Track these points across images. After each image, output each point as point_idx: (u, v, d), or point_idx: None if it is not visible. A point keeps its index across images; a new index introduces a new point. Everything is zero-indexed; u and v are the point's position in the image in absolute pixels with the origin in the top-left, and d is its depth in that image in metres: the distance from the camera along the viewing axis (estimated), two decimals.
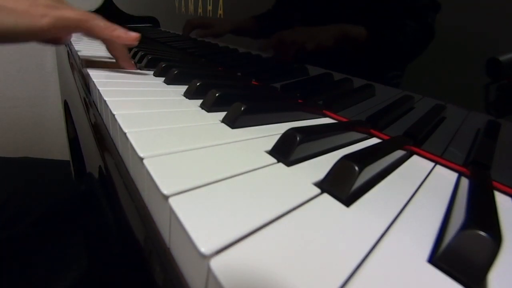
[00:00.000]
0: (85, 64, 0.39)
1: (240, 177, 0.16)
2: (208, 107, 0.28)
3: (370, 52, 0.29)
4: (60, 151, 1.24)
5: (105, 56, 0.49)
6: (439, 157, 0.24)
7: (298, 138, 0.19)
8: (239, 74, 0.48)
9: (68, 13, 0.32)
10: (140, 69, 0.43)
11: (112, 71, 0.39)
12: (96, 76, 0.34)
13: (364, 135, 0.28)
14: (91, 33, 0.35)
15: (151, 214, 0.16)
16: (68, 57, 0.58)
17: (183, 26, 0.64)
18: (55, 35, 0.33)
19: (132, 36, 0.37)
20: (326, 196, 0.15)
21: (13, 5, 0.29)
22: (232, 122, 0.24)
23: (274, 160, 0.18)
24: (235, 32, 0.48)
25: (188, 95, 0.32)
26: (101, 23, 0.35)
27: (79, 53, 0.49)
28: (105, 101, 0.25)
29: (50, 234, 0.43)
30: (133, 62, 0.43)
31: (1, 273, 0.36)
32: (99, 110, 0.30)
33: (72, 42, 0.61)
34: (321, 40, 0.34)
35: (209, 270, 0.10)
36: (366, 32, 0.29)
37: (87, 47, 0.60)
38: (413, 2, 0.25)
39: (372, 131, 0.29)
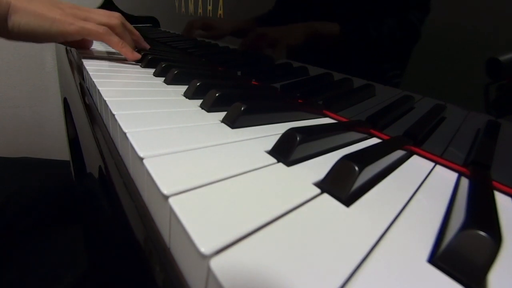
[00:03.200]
0: (81, 56, 0.42)
1: (240, 177, 0.16)
2: (208, 107, 0.28)
3: (370, 53, 0.29)
4: (60, 151, 1.24)
5: (106, 58, 0.49)
6: (439, 157, 0.24)
7: (298, 138, 0.19)
8: (239, 74, 0.48)
9: (90, 26, 0.41)
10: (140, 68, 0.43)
11: (110, 64, 0.41)
12: (96, 76, 0.34)
13: (364, 135, 0.28)
14: (107, 44, 0.44)
15: (151, 214, 0.16)
16: (67, 54, 0.58)
17: (185, 27, 0.64)
18: (78, 40, 0.44)
19: (135, 57, 0.46)
20: (326, 196, 0.15)
21: (50, 14, 0.38)
22: (232, 122, 0.24)
23: (274, 160, 0.18)
24: (236, 34, 0.48)
25: (188, 95, 0.32)
26: (115, 38, 0.43)
27: (78, 52, 0.49)
28: (105, 101, 0.25)
29: (50, 234, 0.43)
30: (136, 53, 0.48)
31: (1, 272, 0.36)
32: (99, 110, 0.30)
33: None
34: (293, 38, 0.37)
35: (209, 270, 0.10)
36: (348, 34, 0.30)
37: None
38: (410, 1, 0.25)
39: (372, 131, 0.29)
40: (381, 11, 0.28)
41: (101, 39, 0.42)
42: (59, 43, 0.43)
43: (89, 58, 0.44)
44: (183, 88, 0.34)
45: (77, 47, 0.51)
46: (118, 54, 0.55)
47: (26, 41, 0.39)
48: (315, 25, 0.33)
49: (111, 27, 0.44)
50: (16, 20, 0.36)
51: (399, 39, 0.27)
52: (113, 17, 0.46)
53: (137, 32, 0.53)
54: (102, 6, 1.04)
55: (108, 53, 0.54)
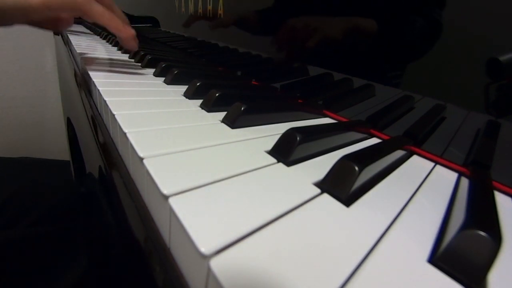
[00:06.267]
0: (85, 63, 0.39)
1: (240, 177, 0.16)
2: (208, 107, 0.28)
3: (372, 52, 0.29)
4: (60, 151, 1.24)
5: (105, 57, 0.49)
6: (439, 157, 0.24)
7: (298, 138, 0.19)
8: (239, 74, 0.48)
9: None
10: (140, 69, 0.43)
11: (111, 64, 0.40)
12: (96, 76, 0.34)
13: (364, 135, 0.28)
14: (88, 17, 0.32)
15: (151, 214, 0.16)
16: (68, 55, 0.58)
17: (187, 20, 0.62)
18: (48, 16, 0.29)
19: (129, 32, 0.34)
20: (326, 196, 0.15)
21: None
22: (232, 122, 0.24)
23: (274, 160, 0.18)
24: (238, 24, 0.48)
25: (188, 95, 0.32)
26: (99, 8, 0.31)
27: (78, 51, 0.49)
28: (105, 101, 0.25)
29: (50, 234, 0.43)
30: (136, 42, 0.40)
31: (1, 272, 0.36)
32: (99, 110, 0.30)
33: (72, 42, 0.61)
34: (331, 31, 0.32)
35: (209, 270, 0.10)
36: (376, 27, 0.28)
37: (88, 47, 0.60)
38: (418, 1, 0.25)
39: (372, 131, 0.29)
40: (383, 13, 0.28)
41: (78, 10, 0.30)
42: (19, 24, 0.29)
43: (89, 58, 0.44)
44: (183, 88, 0.34)
45: (49, 28, 0.37)
46: (119, 54, 0.55)
47: None
48: (357, 21, 0.30)
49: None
50: None
51: (402, 40, 0.27)
52: None
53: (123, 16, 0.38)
54: None
55: (108, 52, 0.54)
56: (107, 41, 0.73)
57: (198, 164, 0.16)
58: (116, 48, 0.64)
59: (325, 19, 0.34)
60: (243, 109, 0.24)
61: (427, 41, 0.24)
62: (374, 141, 0.28)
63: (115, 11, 0.37)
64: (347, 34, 0.31)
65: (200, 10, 0.56)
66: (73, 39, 0.66)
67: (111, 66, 0.42)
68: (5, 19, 0.28)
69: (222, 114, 0.26)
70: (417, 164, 0.23)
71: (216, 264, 0.10)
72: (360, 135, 0.27)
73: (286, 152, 0.19)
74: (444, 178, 0.22)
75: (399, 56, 0.27)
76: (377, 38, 0.28)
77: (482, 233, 0.11)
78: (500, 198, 0.20)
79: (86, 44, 0.63)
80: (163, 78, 0.38)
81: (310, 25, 0.35)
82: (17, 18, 0.28)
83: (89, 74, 0.35)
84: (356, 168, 0.15)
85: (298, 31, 0.37)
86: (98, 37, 0.81)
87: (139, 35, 0.44)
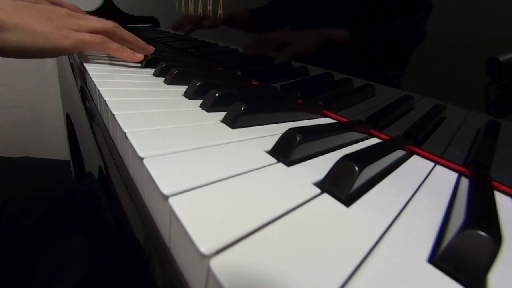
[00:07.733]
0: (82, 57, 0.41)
1: (240, 177, 0.16)
2: (208, 107, 0.28)
3: (370, 53, 0.29)
4: (60, 151, 1.24)
5: (105, 57, 0.49)
6: (439, 157, 0.24)
7: (298, 138, 0.19)
8: (239, 74, 0.48)
9: (87, 37, 0.38)
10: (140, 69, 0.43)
11: (111, 64, 0.41)
12: (96, 76, 0.34)
13: (364, 135, 0.28)
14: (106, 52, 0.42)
15: (151, 214, 0.16)
16: (68, 56, 0.58)
17: (180, 22, 0.64)
18: (76, 52, 0.41)
19: (137, 58, 0.44)
20: (326, 196, 0.15)
21: (42, 28, 0.35)
22: (232, 122, 0.24)
23: (274, 160, 0.18)
24: (228, 23, 0.49)
25: (188, 95, 0.32)
26: (113, 45, 0.41)
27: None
28: (105, 101, 0.25)
29: (50, 234, 0.43)
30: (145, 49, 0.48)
31: (1, 272, 0.36)
32: (99, 110, 0.30)
33: None
34: (305, 46, 0.36)
35: (209, 270, 0.10)
36: (348, 34, 0.30)
37: None
38: (409, 2, 0.25)
39: (372, 131, 0.29)
40: (382, 13, 0.28)
41: (99, 49, 0.40)
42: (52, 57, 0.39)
43: (90, 59, 0.44)
44: (183, 88, 0.34)
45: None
46: None
47: (18, 57, 0.36)
48: (327, 32, 0.32)
49: (108, 33, 0.42)
50: (7, 38, 0.33)
51: (400, 40, 0.27)
52: (108, 22, 0.43)
53: (135, 38, 0.47)
54: (102, 6, 1.04)
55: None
56: None
57: (198, 164, 0.16)
58: None
59: (295, 34, 0.36)
60: (243, 109, 0.24)
61: (417, 43, 0.25)
62: (374, 141, 0.28)
63: (130, 40, 0.46)
64: (320, 46, 0.33)
65: (200, 10, 0.56)
66: None
67: (111, 66, 0.42)
68: (43, 56, 0.37)
69: (222, 114, 0.26)
70: (417, 164, 0.23)
71: (216, 264, 0.10)
72: (360, 135, 0.27)
73: (286, 152, 0.19)
74: (444, 178, 0.22)
75: (399, 57, 0.27)
76: (364, 41, 0.29)
77: (482, 233, 0.11)
78: (500, 198, 0.20)
79: None
80: (163, 78, 0.38)
81: (282, 40, 0.38)
82: (52, 55, 0.38)
83: (89, 74, 0.35)
84: (356, 168, 0.15)
85: (271, 45, 0.41)
86: None
87: (139, 35, 0.46)
